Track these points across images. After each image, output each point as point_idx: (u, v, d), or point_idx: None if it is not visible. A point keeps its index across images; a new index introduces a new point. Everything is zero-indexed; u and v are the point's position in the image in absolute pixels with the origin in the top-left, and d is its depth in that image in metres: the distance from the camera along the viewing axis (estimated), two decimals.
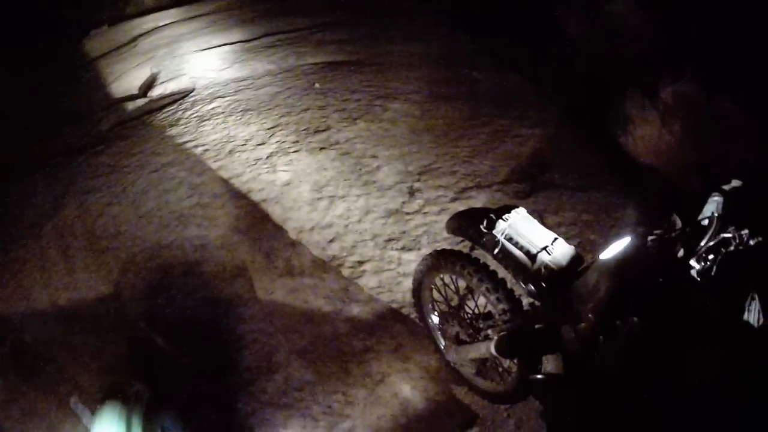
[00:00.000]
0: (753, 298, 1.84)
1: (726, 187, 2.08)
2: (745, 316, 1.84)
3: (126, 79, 6.74)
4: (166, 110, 5.57)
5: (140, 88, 6.30)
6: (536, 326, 2.34)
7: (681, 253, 1.84)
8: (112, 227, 4.17)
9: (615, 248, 1.98)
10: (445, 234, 3.47)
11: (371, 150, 4.61)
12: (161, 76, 6.42)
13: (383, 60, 6.03)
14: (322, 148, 4.66)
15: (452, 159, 4.50)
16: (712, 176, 2.24)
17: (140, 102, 5.96)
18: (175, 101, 5.71)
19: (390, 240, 3.84)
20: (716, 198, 2.04)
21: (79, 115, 5.99)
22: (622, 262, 1.97)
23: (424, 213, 4.02)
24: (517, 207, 2.44)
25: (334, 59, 6.16)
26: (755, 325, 1.83)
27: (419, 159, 4.49)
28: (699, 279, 1.82)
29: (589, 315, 1.94)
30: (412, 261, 3.52)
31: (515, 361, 2.56)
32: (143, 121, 5.49)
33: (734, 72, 4.60)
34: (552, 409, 2.25)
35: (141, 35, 8.39)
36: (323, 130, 4.88)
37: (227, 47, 6.91)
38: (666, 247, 1.92)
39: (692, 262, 1.81)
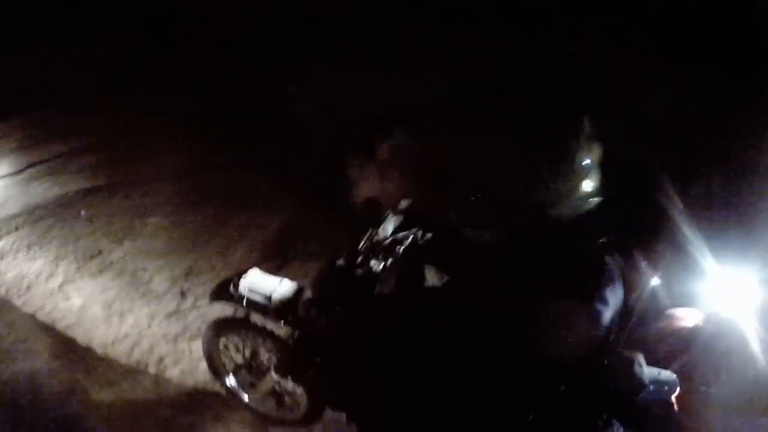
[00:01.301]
0: (431, 269, 2.75)
1: (400, 208, 3.05)
2: (428, 282, 2.69)
3: None
4: None
5: None
6: (291, 343, 3.16)
7: (362, 258, 2.76)
8: None
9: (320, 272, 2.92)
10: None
11: (141, 264, 5.58)
12: None
13: (138, 178, 6.92)
14: (100, 271, 5.57)
15: (209, 257, 5.62)
16: (383, 206, 3.12)
17: None
18: None
19: (178, 335, 4.80)
20: (392, 217, 2.97)
21: None
22: (324, 276, 2.93)
23: (198, 306, 5.03)
24: (252, 268, 3.32)
25: (93, 184, 6.92)
26: (439, 284, 2.68)
27: (182, 263, 5.52)
28: (380, 270, 2.68)
29: (316, 314, 2.92)
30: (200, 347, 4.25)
31: (298, 383, 3.36)
32: None
33: (440, 120, 5.78)
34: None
35: None
36: (98, 254, 5.79)
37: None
38: (351, 258, 2.75)
39: (372, 262, 2.69)
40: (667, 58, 5.79)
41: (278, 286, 3.18)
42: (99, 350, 4.78)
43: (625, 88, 5.71)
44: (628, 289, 2.43)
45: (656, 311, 3.31)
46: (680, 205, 4.00)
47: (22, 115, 8.68)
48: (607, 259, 2.40)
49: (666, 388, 2.81)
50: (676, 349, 3.29)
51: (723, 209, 4.76)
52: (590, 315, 2.27)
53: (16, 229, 6.38)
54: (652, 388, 2.73)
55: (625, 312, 2.46)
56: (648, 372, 2.70)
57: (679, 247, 3.80)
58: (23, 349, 4.86)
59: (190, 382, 4.41)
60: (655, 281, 2.72)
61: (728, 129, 5.24)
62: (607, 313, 2.29)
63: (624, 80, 5.80)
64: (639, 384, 2.61)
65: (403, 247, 2.77)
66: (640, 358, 2.65)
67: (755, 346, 3.16)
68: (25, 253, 5.99)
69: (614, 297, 2.35)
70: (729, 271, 3.35)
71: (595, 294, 2.28)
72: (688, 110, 5.54)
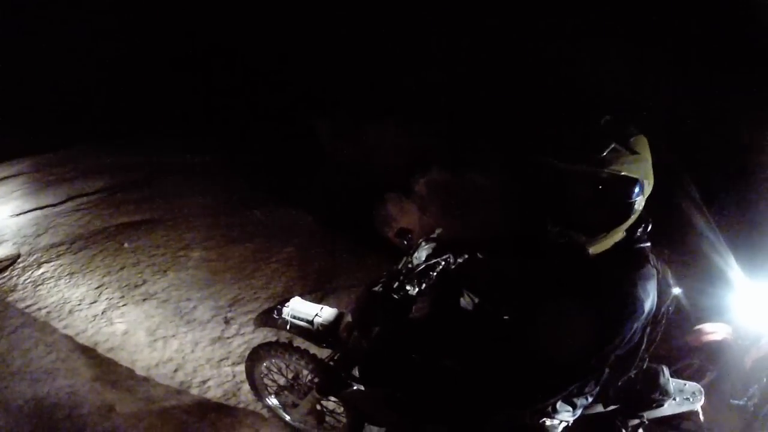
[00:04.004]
0: (465, 292, 2.76)
1: (433, 236, 3.02)
2: (462, 303, 2.75)
3: None
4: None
5: None
6: (332, 364, 3.26)
7: (398, 284, 2.74)
8: None
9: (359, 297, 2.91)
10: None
11: (185, 294, 5.78)
12: None
13: (177, 214, 7.17)
14: (144, 299, 5.75)
15: (252, 289, 5.84)
16: (415, 236, 3.11)
17: None
18: (6, 267, 6.41)
19: (221, 360, 4.86)
20: (425, 245, 2.94)
21: None
22: (363, 301, 2.87)
23: (242, 334, 5.14)
24: (294, 297, 3.44)
25: (135, 218, 7.15)
26: (469, 307, 2.75)
27: (226, 294, 5.75)
28: (415, 293, 2.73)
29: (356, 336, 2.97)
30: (244, 372, 4.21)
31: (339, 401, 3.47)
32: None
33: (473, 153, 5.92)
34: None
35: None
36: (141, 284, 5.97)
37: (39, 212, 7.60)
38: (388, 283, 2.76)
39: (408, 287, 2.72)
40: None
41: (320, 312, 3.29)
42: (141, 372, 4.88)
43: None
44: (659, 295, 2.30)
45: (682, 325, 3.36)
46: (708, 216, 4.02)
47: (59, 150, 8.65)
48: (650, 255, 2.27)
49: (691, 399, 2.83)
50: (706, 364, 3.33)
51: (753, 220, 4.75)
52: (630, 302, 2.13)
53: (58, 256, 6.57)
54: (677, 399, 2.80)
55: (654, 321, 2.37)
56: (673, 383, 2.75)
57: (706, 259, 3.87)
58: (64, 368, 4.96)
59: (232, 402, 4.55)
60: (679, 293, 2.71)
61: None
62: (646, 306, 2.15)
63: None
64: (663, 394, 2.66)
65: (436, 272, 2.83)
66: (665, 370, 2.69)
67: None
68: (68, 281, 6.16)
69: (651, 293, 2.20)
70: (757, 284, 3.35)
71: (637, 282, 2.14)
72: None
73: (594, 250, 2.21)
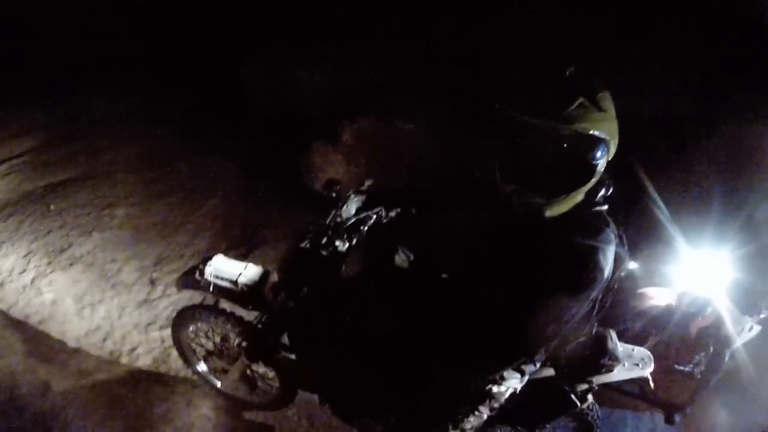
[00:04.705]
0: (399, 249, 2.59)
1: (363, 188, 2.88)
2: (396, 261, 2.58)
3: None
4: None
5: None
6: (260, 327, 3.11)
7: (326, 240, 2.64)
8: None
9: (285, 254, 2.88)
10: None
11: (110, 255, 5.50)
12: None
13: (101, 170, 6.84)
14: (71, 264, 5.47)
15: (177, 246, 5.57)
16: (344, 188, 2.95)
17: None
18: None
19: (149, 324, 4.79)
20: (354, 197, 2.81)
21: None
22: (289, 259, 2.80)
23: (168, 295, 4.99)
24: (216, 254, 3.24)
25: (61, 178, 6.79)
26: (405, 265, 2.59)
27: (150, 253, 5.47)
28: (345, 250, 2.63)
29: (283, 297, 2.88)
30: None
31: (268, 367, 3.38)
32: None
33: (409, 98, 5.64)
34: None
35: None
36: (67, 248, 5.68)
37: None
38: (316, 239, 2.67)
39: (337, 243, 2.64)
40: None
41: (244, 271, 3.12)
42: (72, 343, 4.74)
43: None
44: (615, 260, 2.18)
45: (630, 291, 3.31)
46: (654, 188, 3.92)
47: None
48: (609, 220, 2.18)
49: (640, 365, 2.81)
50: (650, 328, 3.33)
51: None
52: (591, 270, 2.04)
53: None
54: (626, 364, 2.75)
55: (608, 287, 2.27)
56: (621, 348, 2.71)
57: (653, 228, 3.78)
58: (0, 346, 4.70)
59: (162, 370, 4.43)
60: (632, 264, 2.65)
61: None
62: (606, 273, 2.07)
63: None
64: (612, 359, 2.61)
65: (367, 227, 2.73)
66: (613, 335, 2.65)
67: (728, 324, 3.16)
68: None
69: (610, 259, 2.10)
70: (701, 252, 3.30)
71: (598, 248, 2.05)
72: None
73: (552, 212, 2.11)
